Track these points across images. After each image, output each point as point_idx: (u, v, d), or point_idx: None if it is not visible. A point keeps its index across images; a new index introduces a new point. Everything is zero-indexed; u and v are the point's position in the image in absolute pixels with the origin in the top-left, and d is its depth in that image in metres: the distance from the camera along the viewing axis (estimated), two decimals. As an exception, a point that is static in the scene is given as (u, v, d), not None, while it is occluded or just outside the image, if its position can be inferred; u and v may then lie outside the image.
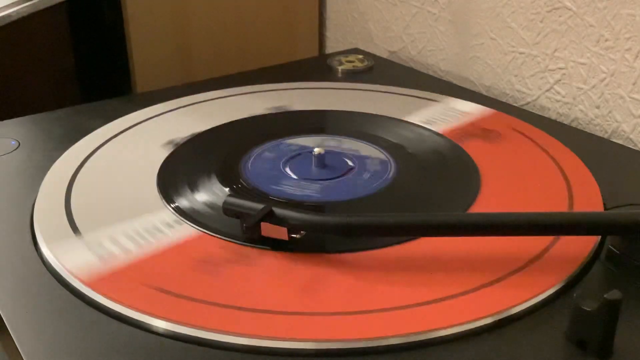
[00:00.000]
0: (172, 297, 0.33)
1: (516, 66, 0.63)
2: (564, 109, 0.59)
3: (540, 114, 0.57)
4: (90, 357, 0.29)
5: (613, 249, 0.36)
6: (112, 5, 0.67)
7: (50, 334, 0.31)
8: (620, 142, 0.55)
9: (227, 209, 0.38)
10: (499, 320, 0.32)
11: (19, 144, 0.50)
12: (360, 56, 0.70)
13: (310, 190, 0.43)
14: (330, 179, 0.44)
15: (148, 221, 0.40)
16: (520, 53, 0.62)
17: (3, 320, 0.32)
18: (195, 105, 0.57)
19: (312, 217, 0.35)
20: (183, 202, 0.42)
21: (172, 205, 0.41)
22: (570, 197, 0.42)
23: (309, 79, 0.63)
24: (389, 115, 0.55)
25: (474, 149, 0.48)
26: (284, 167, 0.46)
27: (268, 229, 0.36)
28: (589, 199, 0.42)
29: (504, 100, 0.61)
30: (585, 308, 0.29)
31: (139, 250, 0.37)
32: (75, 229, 0.39)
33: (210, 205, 0.41)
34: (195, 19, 0.71)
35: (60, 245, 0.37)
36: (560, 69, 0.59)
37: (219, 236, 0.38)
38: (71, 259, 0.36)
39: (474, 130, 0.52)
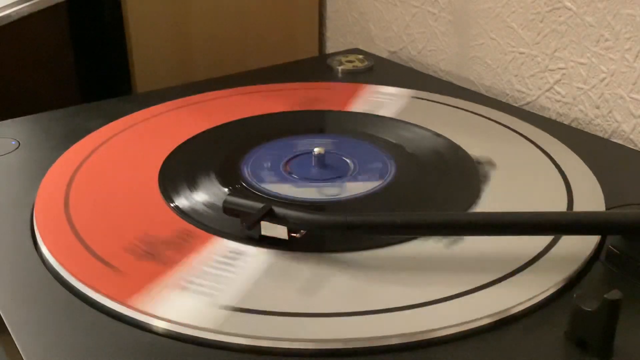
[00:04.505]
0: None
1: (516, 66, 0.63)
2: (564, 109, 0.59)
3: (540, 114, 0.57)
4: (90, 357, 0.29)
5: (613, 249, 0.36)
6: (112, 5, 0.67)
7: (50, 334, 0.31)
8: (620, 142, 0.55)
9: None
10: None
11: (19, 144, 0.50)
12: (360, 56, 0.70)
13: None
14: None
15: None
16: (520, 53, 0.62)
17: (3, 320, 0.32)
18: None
19: (312, 216, 0.35)
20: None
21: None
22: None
23: (309, 79, 0.63)
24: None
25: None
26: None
27: (268, 228, 0.36)
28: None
29: (504, 100, 0.61)
30: (585, 308, 0.29)
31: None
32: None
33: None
34: (196, 19, 0.71)
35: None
36: (560, 69, 0.59)
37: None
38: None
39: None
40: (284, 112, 0.56)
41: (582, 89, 0.57)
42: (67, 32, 0.73)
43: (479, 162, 0.46)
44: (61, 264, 0.35)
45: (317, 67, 0.68)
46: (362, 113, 0.55)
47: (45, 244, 0.37)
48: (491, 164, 0.46)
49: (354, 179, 0.44)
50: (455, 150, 0.49)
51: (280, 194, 0.42)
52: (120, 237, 0.38)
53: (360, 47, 0.78)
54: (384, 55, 0.76)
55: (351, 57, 0.69)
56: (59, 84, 0.74)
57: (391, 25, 0.75)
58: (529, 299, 0.33)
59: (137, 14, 0.67)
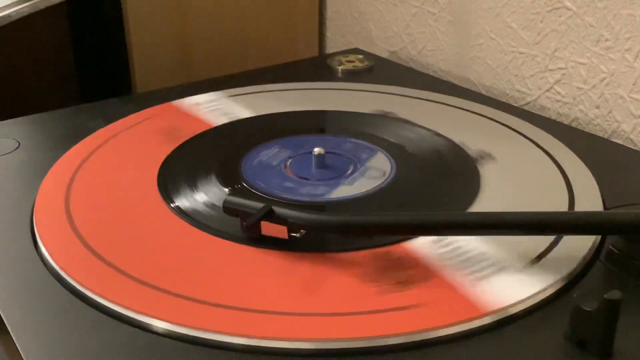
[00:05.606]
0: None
1: (516, 66, 0.63)
2: (564, 109, 0.59)
3: (540, 114, 0.57)
4: (90, 357, 0.29)
5: (613, 249, 0.36)
6: (112, 5, 0.67)
7: (50, 334, 0.31)
8: (620, 142, 0.55)
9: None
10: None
11: (19, 144, 0.50)
12: (360, 56, 0.70)
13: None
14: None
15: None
16: (520, 53, 0.62)
17: (3, 320, 0.32)
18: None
19: (312, 216, 0.35)
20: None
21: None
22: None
23: (309, 79, 0.63)
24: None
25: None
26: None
27: (268, 228, 0.36)
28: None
29: (504, 100, 0.61)
30: (585, 308, 0.29)
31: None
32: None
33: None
34: (196, 19, 0.71)
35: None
36: (560, 69, 0.59)
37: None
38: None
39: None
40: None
41: (582, 89, 0.57)
42: (67, 32, 0.73)
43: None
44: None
45: (317, 67, 0.68)
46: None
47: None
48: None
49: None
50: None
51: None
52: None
53: (360, 47, 0.78)
54: (384, 55, 0.76)
55: (351, 57, 0.69)
56: (59, 84, 0.74)
57: (391, 25, 0.75)
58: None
59: (137, 14, 0.67)
